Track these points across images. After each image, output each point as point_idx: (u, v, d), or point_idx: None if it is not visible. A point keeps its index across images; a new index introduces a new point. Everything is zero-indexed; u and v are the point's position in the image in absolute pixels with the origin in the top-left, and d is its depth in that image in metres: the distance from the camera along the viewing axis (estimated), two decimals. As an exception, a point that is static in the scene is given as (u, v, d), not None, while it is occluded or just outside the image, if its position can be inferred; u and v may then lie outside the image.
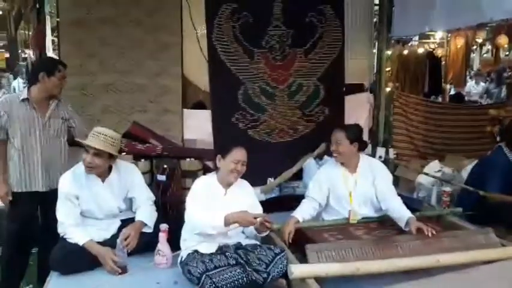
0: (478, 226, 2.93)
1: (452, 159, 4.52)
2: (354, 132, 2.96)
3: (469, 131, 4.94)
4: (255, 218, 2.48)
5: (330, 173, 3.00)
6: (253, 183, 4.12)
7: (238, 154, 2.61)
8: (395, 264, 2.24)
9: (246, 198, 2.71)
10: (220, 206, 2.54)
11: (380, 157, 4.34)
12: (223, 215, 2.43)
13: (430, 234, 2.51)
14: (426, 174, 3.89)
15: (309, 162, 4.27)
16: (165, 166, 3.20)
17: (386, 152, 4.46)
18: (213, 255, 2.40)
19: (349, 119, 4.56)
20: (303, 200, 2.99)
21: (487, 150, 4.02)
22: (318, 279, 2.15)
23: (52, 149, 3.00)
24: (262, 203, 3.95)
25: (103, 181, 2.77)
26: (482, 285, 2.15)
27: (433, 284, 2.20)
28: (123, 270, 2.55)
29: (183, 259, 2.47)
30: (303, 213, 2.88)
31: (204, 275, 2.25)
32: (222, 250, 2.46)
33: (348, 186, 2.93)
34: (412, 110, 4.82)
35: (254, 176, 4.08)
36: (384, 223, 2.88)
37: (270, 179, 4.29)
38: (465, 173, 3.94)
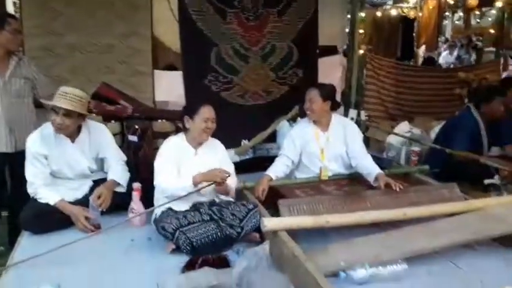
0: (444, 183, 3.06)
1: (422, 121, 4.64)
2: (327, 91, 2.99)
3: (438, 93, 5.05)
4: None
5: (302, 130, 3.04)
6: (227, 145, 4.12)
7: (206, 112, 2.57)
8: (363, 217, 2.32)
9: (217, 156, 2.70)
10: (191, 166, 2.53)
11: (352, 119, 4.39)
12: (192, 175, 2.44)
13: (397, 189, 2.61)
14: (396, 134, 3.98)
15: (282, 125, 4.28)
16: (136, 127, 3.15)
17: (358, 114, 4.52)
18: (187, 212, 2.42)
19: (322, 81, 4.56)
20: (277, 158, 3.03)
21: (455, 113, 4.14)
22: (290, 232, 2.21)
23: (15, 109, 2.89)
24: (236, 164, 4.00)
25: (73, 141, 2.71)
26: (445, 236, 2.25)
27: (400, 235, 2.29)
28: (97, 228, 2.55)
29: (157, 217, 2.48)
30: (276, 171, 2.94)
31: (178, 231, 2.28)
32: (196, 207, 2.48)
33: (319, 143, 2.99)
34: (384, 72, 4.87)
35: (228, 138, 4.10)
36: (353, 180, 2.96)
37: (244, 141, 4.29)
38: (433, 134, 4.08)
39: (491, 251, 2.36)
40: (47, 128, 2.65)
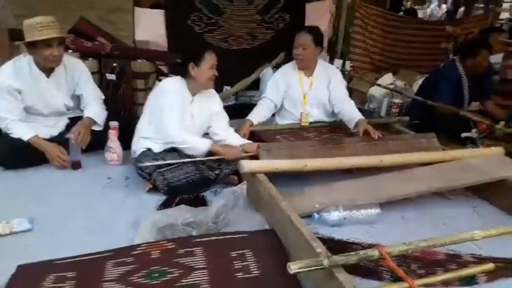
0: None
1: (405, 74, 4.61)
2: (319, 36, 2.92)
3: (424, 46, 5.00)
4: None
5: (286, 74, 3.00)
6: (209, 91, 4.08)
7: (213, 58, 2.46)
8: (341, 162, 2.33)
9: (212, 106, 2.63)
10: (188, 114, 2.48)
11: (337, 67, 4.34)
12: (210, 142, 2.42)
13: (376, 137, 2.61)
14: (379, 85, 3.97)
15: (266, 72, 4.21)
16: (114, 65, 3.04)
17: (343, 64, 4.47)
18: (166, 152, 2.39)
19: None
20: (259, 102, 3.01)
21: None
22: (268, 176, 2.21)
23: None
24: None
25: (48, 76, 2.61)
26: (420, 183, 2.29)
27: (375, 181, 2.32)
28: (77, 165, 2.51)
29: (135, 156, 2.45)
30: (258, 115, 2.93)
31: (155, 172, 2.26)
32: (174, 148, 2.44)
33: (303, 88, 2.96)
34: (372, 22, 4.76)
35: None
36: (334, 128, 2.97)
37: (226, 87, 4.22)
38: (416, 87, 4.07)
39: (462, 200, 2.42)
40: (21, 61, 2.54)
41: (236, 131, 2.76)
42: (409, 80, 4.41)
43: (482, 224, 2.19)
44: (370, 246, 1.89)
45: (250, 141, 2.62)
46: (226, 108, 4.05)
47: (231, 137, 2.63)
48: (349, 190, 2.25)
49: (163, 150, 2.41)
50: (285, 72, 3.02)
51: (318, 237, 1.78)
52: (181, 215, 1.95)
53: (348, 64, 4.53)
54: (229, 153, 2.42)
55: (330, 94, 2.96)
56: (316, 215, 2.10)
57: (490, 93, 3.65)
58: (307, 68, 2.97)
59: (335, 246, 1.86)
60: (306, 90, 2.96)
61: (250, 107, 4.08)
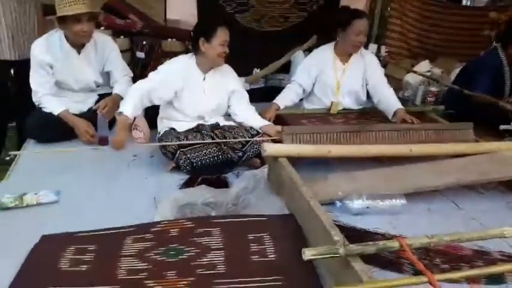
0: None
1: (444, 61, 4.41)
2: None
3: (465, 33, 4.74)
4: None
5: (321, 59, 2.89)
6: (239, 73, 4.02)
7: (224, 34, 2.36)
8: (368, 150, 2.26)
9: (228, 85, 2.55)
10: (197, 92, 2.44)
11: (372, 53, 4.20)
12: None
13: (414, 123, 2.56)
14: (415, 72, 3.81)
15: (297, 55, 4.13)
16: (144, 43, 3.05)
17: (378, 49, 4.32)
18: (189, 132, 2.39)
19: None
20: (288, 85, 2.93)
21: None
22: (291, 160, 2.18)
23: (18, 14, 2.80)
24: (247, 92, 3.95)
25: (79, 52, 2.65)
26: (450, 175, 2.19)
27: (403, 171, 2.24)
28: (104, 142, 2.55)
29: (159, 135, 2.46)
30: (285, 99, 2.86)
31: (178, 151, 2.26)
32: (198, 128, 2.44)
33: (336, 75, 2.86)
34: (409, 6, 4.55)
35: (239, 65, 3.98)
36: (363, 115, 2.87)
37: (255, 69, 4.18)
38: (454, 76, 3.88)
39: (495, 195, 2.30)
40: (53, 36, 2.58)
41: (261, 114, 2.70)
42: (447, 68, 4.22)
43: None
44: (392, 237, 1.83)
45: (271, 124, 2.55)
46: (255, 91, 4.07)
47: (251, 118, 2.54)
48: (374, 179, 2.18)
49: (187, 130, 2.40)
50: (319, 56, 2.91)
51: (338, 225, 1.74)
52: (202, 194, 1.95)
53: (383, 49, 4.37)
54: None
55: (366, 82, 2.85)
56: (338, 203, 2.05)
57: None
58: (345, 53, 2.86)
59: (355, 235, 1.81)
60: (339, 78, 2.85)
61: (279, 90, 4.00)
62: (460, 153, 2.40)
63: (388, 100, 2.76)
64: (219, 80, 2.50)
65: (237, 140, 2.35)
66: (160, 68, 2.43)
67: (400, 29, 4.60)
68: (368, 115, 2.86)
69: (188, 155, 2.25)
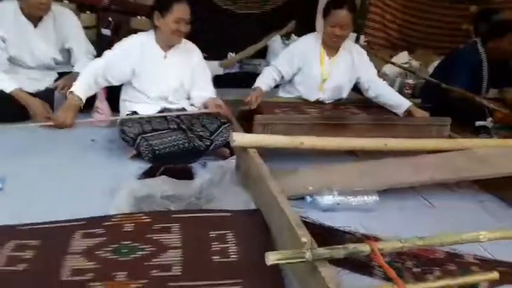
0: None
1: (423, 54, 4.36)
2: (355, 10, 2.60)
3: (445, 26, 4.70)
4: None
5: (307, 49, 2.64)
6: (213, 56, 3.87)
7: (180, 11, 2.17)
8: (341, 143, 2.16)
9: (191, 62, 2.38)
10: (158, 71, 2.27)
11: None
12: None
13: None
14: (393, 63, 3.72)
15: (274, 40, 4.01)
16: (110, 19, 2.84)
17: (357, 39, 4.20)
18: (153, 117, 2.22)
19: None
20: (265, 68, 2.70)
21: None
22: (261, 151, 2.05)
23: None
24: (220, 77, 3.79)
25: (35, 26, 2.43)
26: (425, 172, 2.11)
27: (376, 166, 2.15)
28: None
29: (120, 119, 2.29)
30: (266, 84, 2.61)
31: (139, 137, 2.10)
32: (163, 113, 2.28)
33: (322, 69, 2.63)
34: (391, -5, 4.47)
35: (214, 48, 3.83)
36: (337, 106, 2.74)
37: (231, 53, 4.03)
38: (432, 69, 3.82)
39: (468, 193, 2.24)
40: (6, 6, 2.36)
41: (250, 96, 2.49)
42: (425, 61, 4.16)
43: (488, 220, 2.04)
44: (363, 236, 1.74)
45: (217, 97, 2.38)
46: (229, 76, 3.92)
47: (203, 99, 2.37)
48: (347, 174, 2.08)
49: (152, 115, 2.23)
50: (305, 46, 2.66)
51: (306, 223, 1.66)
52: (162, 186, 1.81)
53: (362, 38, 4.27)
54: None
55: (355, 78, 2.69)
56: (308, 198, 1.94)
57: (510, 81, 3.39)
58: (334, 47, 2.64)
59: (323, 232, 1.72)
60: (325, 73, 2.64)
61: (254, 76, 3.86)
62: (435, 149, 2.33)
63: (392, 97, 2.65)
64: (183, 58, 2.33)
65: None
66: (116, 45, 2.26)
67: (380, 19, 4.50)
68: (342, 106, 2.74)
69: (150, 142, 2.09)
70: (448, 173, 2.11)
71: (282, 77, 2.69)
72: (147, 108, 2.26)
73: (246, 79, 3.81)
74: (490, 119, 2.92)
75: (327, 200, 1.92)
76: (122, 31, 2.92)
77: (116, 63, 2.20)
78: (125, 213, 1.67)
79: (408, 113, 2.58)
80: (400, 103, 2.60)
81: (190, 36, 3.60)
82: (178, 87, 2.32)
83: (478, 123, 2.98)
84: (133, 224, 1.62)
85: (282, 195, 1.64)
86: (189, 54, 2.37)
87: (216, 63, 3.80)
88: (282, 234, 1.54)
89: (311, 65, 2.63)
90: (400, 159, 2.23)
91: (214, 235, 1.60)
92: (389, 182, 2.04)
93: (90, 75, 2.15)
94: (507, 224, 2.01)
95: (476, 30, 4.17)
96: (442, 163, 2.19)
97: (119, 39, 2.62)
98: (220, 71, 3.79)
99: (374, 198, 1.96)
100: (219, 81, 3.64)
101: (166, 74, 2.26)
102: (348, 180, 2.03)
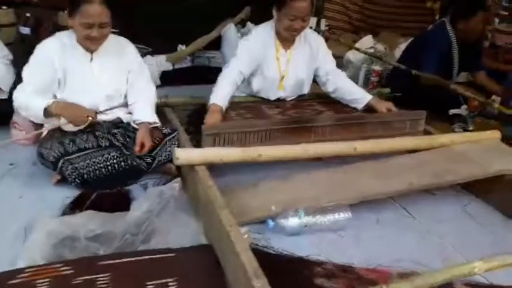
0: (405, 109, 2.64)
1: (388, 36, 4.09)
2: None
3: (408, 5, 4.46)
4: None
5: (264, 44, 2.25)
6: (160, 50, 3.48)
7: (91, 14, 1.73)
8: (304, 150, 1.85)
9: (125, 62, 1.97)
10: (85, 76, 1.87)
11: (310, 28, 3.77)
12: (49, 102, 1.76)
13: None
14: (357, 49, 3.44)
15: (229, 29, 3.62)
16: (28, 15, 2.41)
17: (318, 23, 3.88)
18: (78, 134, 1.82)
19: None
20: (224, 75, 2.19)
21: (427, 29, 3.62)
22: (213, 167, 1.73)
23: None
24: (168, 73, 3.40)
25: None
26: (401, 178, 1.85)
27: (347, 175, 1.87)
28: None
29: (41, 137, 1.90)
30: (225, 97, 2.13)
31: (61, 160, 1.72)
32: (92, 129, 1.87)
33: (280, 66, 2.29)
34: (350, -26, 4.18)
35: (161, 41, 3.44)
36: (301, 103, 2.42)
37: (180, 45, 3.63)
38: (399, 52, 3.57)
39: (450, 196, 2.01)
40: None
41: (206, 117, 1.99)
42: (391, 44, 3.90)
43: (475, 229, 1.81)
44: (336, 268, 1.46)
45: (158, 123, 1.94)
46: (180, 72, 3.54)
47: (138, 110, 1.93)
48: (314, 186, 1.79)
49: (76, 132, 1.83)
50: (261, 40, 2.26)
51: (268, 256, 1.39)
52: (87, 224, 1.45)
53: (323, 23, 3.95)
54: (73, 118, 1.81)
55: (318, 70, 2.37)
56: (270, 222, 1.63)
57: (481, 63, 3.17)
58: (291, 39, 2.29)
59: (288, 265, 1.44)
60: (283, 70, 2.30)
61: (208, 70, 3.54)
62: (410, 149, 2.07)
63: (350, 90, 2.36)
64: (113, 57, 1.93)
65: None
66: (30, 59, 1.84)
67: (341, 0, 4.21)
68: (306, 103, 2.43)
69: (76, 165, 1.72)
70: (427, 177, 1.86)
71: (244, 78, 2.27)
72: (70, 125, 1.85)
73: (199, 74, 3.47)
74: (464, 106, 2.69)
75: (293, 222, 1.63)
76: (43, 29, 2.48)
77: (37, 83, 1.80)
78: (38, 266, 1.32)
79: (370, 107, 2.31)
80: (360, 96, 2.33)
81: (132, 29, 3.27)
82: (111, 94, 1.93)
83: (452, 111, 2.75)
84: (48, 279, 1.28)
85: (236, 228, 1.33)
86: (121, 52, 1.96)
87: (163, 57, 3.41)
88: (237, 280, 1.23)
89: (268, 63, 2.28)
90: (374, 163, 1.96)
91: (152, 286, 1.28)
92: (363, 193, 1.77)
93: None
94: (495, 232, 1.80)
95: (442, 8, 3.95)
96: (420, 166, 1.93)
97: (41, 38, 2.20)
98: (169, 66, 3.40)
99: (346, 215, 1.68)
100: (167, 78, 3.29)
101: (95, 79, 1.88)
102: (315, 194, 1.74)
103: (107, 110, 1.91)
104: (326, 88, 2.40)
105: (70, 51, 1.84)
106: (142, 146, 1.82)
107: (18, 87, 1.81)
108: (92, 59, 1.88)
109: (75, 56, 1.85)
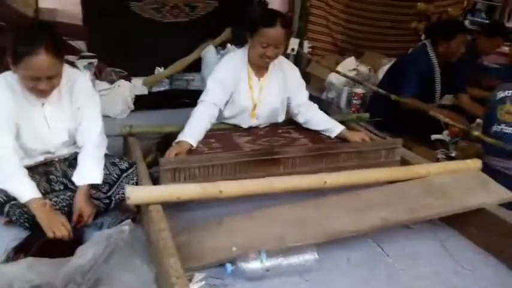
0: (387, 133, 2.59)
1: (371, 57, 4.03)
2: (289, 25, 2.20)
3: (393, 26, 4.40)
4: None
5: (235, 72, 2.16)
6: (138, 73, 3.39)
7: (36, 66, 1.51)
8: (271, 185, 1.74)
9: (76, 99, 1.76)
10: (38, 124, 1.70)
11: (292, 50, 3.70)
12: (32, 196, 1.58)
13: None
14: (338, 72, 3.36)
15: (208, 51, 3.56)
16: (-11, 41, 2.30)
17: (300, 45, 3.82)
18: (30, 176, 1.65)
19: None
20: (199, 109, 2.08)
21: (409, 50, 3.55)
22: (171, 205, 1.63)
23: None
24: (145, 97, 3.30)
25: None
26: (374, 214, 1.73)
27: (315, 211, 1.75)
28: None
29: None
30: (199, 132, 2.03)
31: (7, 205, 1.60)
32: (46, 169, 1.76)
33: (253, 95, 2.20)
34: (333, -5, 4.12)
35: (138, 64, 3.35)
36: (273, 130, 2.32)
37: (158, 68, 3.56)
38: (382, 73, 3.50)
39: (427, 230, 1.89)
40: None
41: (170, 149, 1.89)
42: (375, 65, 3.83)
43: (453, 269, 1.69)
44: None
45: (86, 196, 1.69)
46: (157, 95, 3.44)
47: (80, 161, 1.73)
48: (279, 223, 1.67)
49: (29, 168, 1.69)
50: (233, 69, 2.17)
51: None
52: (24, 274, 1.32)
53: (306, 44, 3.88)
54: (48, 224, 1.56)
55: (290, 100, 2.29)
56: (229, 267, 1.51)
57: (465, 85, 3.09)
58: (264, 67, 2.21)
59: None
60: (256, 98, 2.20)
61: (187, 93, 3.43)
62: (384, 181, 1.97)
63: (322, 122, 2.29)
64: (66, 99, 1.74)
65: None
66: None
67: (324, 21, 4.15)
68: (280, 129, 2.33)
69: (25, 208, 1.58)
70: (402, 213, 1.75)
71: (220, 110, 2.17)
72: (24, 163, 1.69)
73: (177, 97, 3.37)
74: (446, 132, 2.61)
75: (254, 266, 1.51)
76: (5, 59, 2.37)
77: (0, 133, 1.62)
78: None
79: (342, 137, 2.23)
80: (331, 127, 2.26)
81: (109, 52, 3.18)
82: (67, 140, 1.79)
83: (434, 136, 2.68)
84: None
85: (182, 281, 1.21)
86: (72, 90, 1.75)
87: (139, 80, 3.32)
88: None
89: (241, 92, 2.18)
90: (345, 197, 1.85)
91: None
92: (333, 232, 1.65)
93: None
94: (475, 271, 1.68)
95: (426, 30, 3.89)
96: (394, 200, 1.82)
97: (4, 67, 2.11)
98: (144, 90, 3.31)
99: (313, 257, 1.57)
100: (144, 102, 3.19)
101: (49, 127, 1.72)
102: (280, 233, 1.62)
103: None
104: (297, 119, 2.33)
105: (20, 93, 1.65)
106: (80, 216, 1.65)
107: None
108: (43, 104, 1.70)
109: (26, 99, 1.66)
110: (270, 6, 3.73)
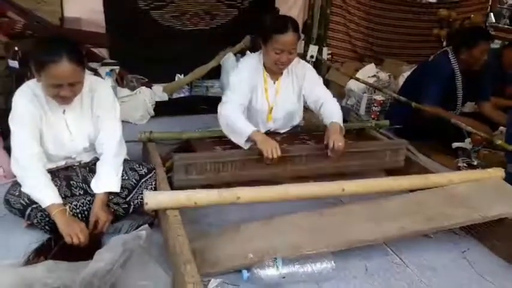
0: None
1: (391, 64, 4.00)
2: (300, 31, 2.17)
3: (414, 32, 4.36)
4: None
5: (253, 75, 2.17)
6: (158, 79, 3.45)
7: (58, 74, 1.55)
8: (286, 192, 1.73)
9: (97, 107, 1.78)
10: (60, 130, 1.74)
11: (312, 57, 3.70)
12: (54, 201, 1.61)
13: (330, 154, 1.99)
14: (357, 79, 3.34)
15: (228, 58, 3.58)
16: (16, 48, 2.39)
17: (320, 52, 3.81)
18: (52, 181, 1.68)
19: (279, 7, 3.83)
20: (227, 109, 2.04)
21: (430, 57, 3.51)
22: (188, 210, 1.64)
23: None
24: (165, 103, 3.35)
25: None
26: (392, 223, 1.70)
27: (332, 219, 1.74)
28: None
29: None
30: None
31: (29, 208, 1.63)
32: (66, 174, 1.79)
33: (269, 98, 2.21)
34: (353, 2, 4.10)
35: (159, 70, 3.41)
36: (293, 136, 2.32)
37: (178, 75, 3.61)
38: (402, 80, 3.46)
39: (447, 239, 1.87)
40: None
41: (262, 147, 1.89)
42: (395, 72, 3.79)
43: (474, 278, 1.65)
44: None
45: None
46: (177, 102, 3.49)
47: (99, 169, 1.75)
48: (296, 231, 1.67)
49: (50, 172, 1.72)
50: (249, 72, 2.16)
51: None
52: (43, 277, 1.35)
53: (325, 51, 3.87)
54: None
55: (306, 98, 2.25)
56: (245, 273, 1.51)
57: (488, 93, 3.02)
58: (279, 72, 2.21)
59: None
60: (271, 102, 2.22)
61: (206, 99, 3.47)
62: (404, 189, 1.94)
63: (327, 113, 2.17)
64: (87, 107, 1.78)
65: None
66: (12, 114, 1.68)
67: (344, 28, 4.14)
68: (297, 136, 2.32)
69: (46, 212, 1.62)
70: (420, 223, 1.72)
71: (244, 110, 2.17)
72: (47, 166, 1.74)
73: (197, 103, 3.40)
74: (468, 139, 2.56)
75: (270, 273, 1.50)
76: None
77: (26, 140, 1.66)
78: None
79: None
80: (329, 117, 2.12)
81: (131, 59, 3.25)
82: (88, 146, 1.83)
83: (455, 144, 2.62)
84: None
85: (198, 285, 1.22)
86: (93, 98, 1.78)
87: (160, 87, 3.37)
88: None
89: (257, 95, 2.20)
90: (364, 204, 1.83)
91: None
92: (350, 240, 1.64)
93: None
94: (496, 284, 1.63)
95: (449, 36, 3.85)
96: (413, 209, 1.79)
97: (31, 72, 2.17)
98: (165, 97, 3.35)
99: (330, 265, 1.55)
100: (164, 108, 3.23)
101: (71, 133, 1.76)
102: (296, 240, 1.62)
103: None
104: (318, 115, 2.23)
105: (43, 101, 1.69)
106: (96, 222, 1.67)
107: (17, 151, 1.65)
108: (64, 111, 1.74)
109: (48, 107, 1.70)
110: (289, 14, 3.75)
